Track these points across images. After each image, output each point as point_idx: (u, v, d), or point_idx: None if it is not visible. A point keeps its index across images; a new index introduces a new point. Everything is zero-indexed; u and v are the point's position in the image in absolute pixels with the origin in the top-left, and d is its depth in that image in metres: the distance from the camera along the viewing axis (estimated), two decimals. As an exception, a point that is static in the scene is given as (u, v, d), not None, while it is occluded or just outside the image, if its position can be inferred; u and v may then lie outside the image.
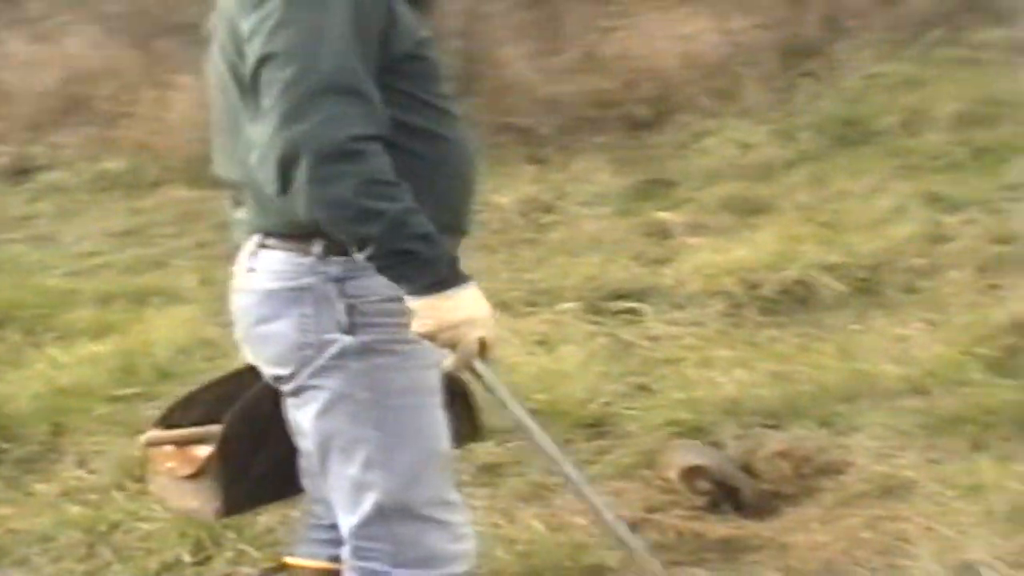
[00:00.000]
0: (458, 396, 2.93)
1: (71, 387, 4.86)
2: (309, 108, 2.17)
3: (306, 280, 2.36)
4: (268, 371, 2.46)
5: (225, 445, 2.56)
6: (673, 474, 3.91)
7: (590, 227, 6.78)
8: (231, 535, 3.68)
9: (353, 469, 2.41)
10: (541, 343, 5.04)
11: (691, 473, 3.87)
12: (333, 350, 2.36)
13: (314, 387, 2.40)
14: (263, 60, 2.21)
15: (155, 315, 5.72)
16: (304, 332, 2.36)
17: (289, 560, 2.84)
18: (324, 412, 2.40)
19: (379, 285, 2.31)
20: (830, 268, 5.63)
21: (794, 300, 5.48)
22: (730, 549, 3.54)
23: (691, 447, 4.07)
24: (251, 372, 2.56)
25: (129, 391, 4.86)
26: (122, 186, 8.73)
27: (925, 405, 4.33)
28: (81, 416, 4.64)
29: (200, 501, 2.65)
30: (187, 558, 3.63)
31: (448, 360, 2.34)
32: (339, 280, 2.36)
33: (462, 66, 9.07)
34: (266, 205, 2.34)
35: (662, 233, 6.56)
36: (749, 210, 6.72)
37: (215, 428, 2.61)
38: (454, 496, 2.53)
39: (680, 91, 9.22)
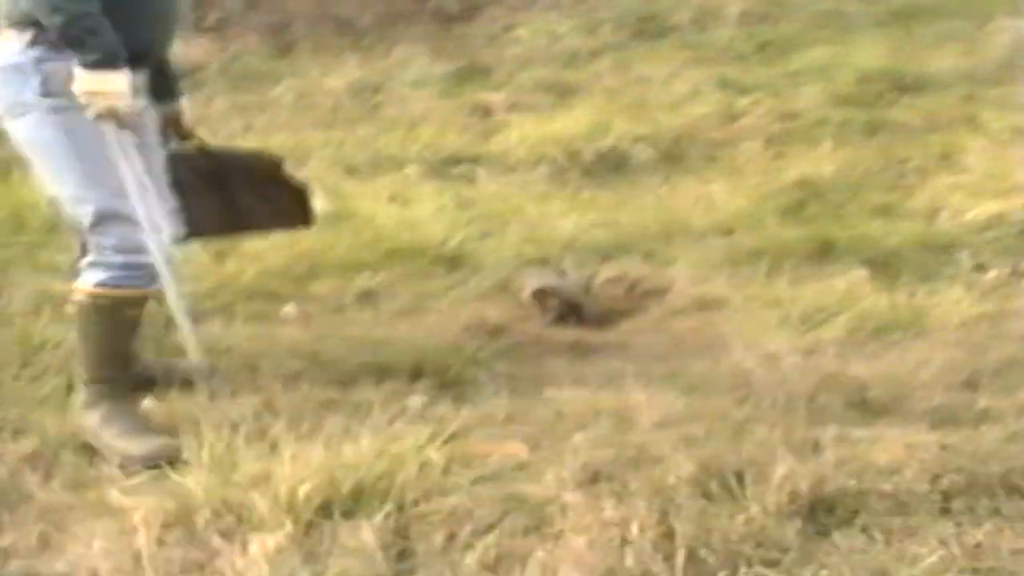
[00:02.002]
0: (287, 185, 3.94)
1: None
2: None
3: (16, 59, 3.41)
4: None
5: None
6: (526, 294, 4.61)
7: (418, 106, 7.37)
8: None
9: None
10: (393, 199, 5.67)
11: (541, 293, 4.57)
12: (32, 103, 3.42)
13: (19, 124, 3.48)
14: None
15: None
16: (17, 93, 3.42)
17: None
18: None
19: (66, 67, 3.32)
20: (640, 139, 6.40)
21: (610, 165, 6.22)
22: (579, 349, 4.26)
23: (539, 272, 4.78)
24: None
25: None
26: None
27: (729, 242, 5.13)
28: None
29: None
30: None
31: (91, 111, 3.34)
32: (39, 60, 3.38)
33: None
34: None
35: (484, 111, 7.21)
36: (562, 92, 7.42)
37: None
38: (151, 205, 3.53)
39: (487, -14, 9.84)
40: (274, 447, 3.35)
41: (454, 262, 4.98)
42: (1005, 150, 5.98)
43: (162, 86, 3.80)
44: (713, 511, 2.98)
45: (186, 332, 3.72)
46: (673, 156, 6.33)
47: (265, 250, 4.89)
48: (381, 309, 4.57)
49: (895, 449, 3.27)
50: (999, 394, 3.64)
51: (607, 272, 4.80)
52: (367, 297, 4.68)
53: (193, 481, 3.24)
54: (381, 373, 3.94)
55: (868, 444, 3.33)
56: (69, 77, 3.33)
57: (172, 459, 3.40)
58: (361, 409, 3.64)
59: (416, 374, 3.94)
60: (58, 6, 3.30)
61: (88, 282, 3.54)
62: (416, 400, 3.76)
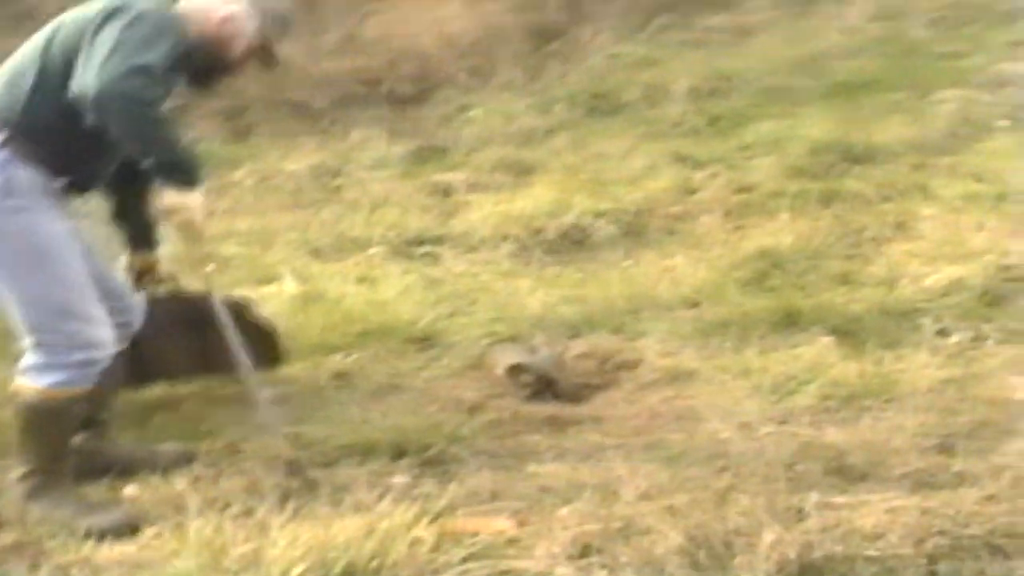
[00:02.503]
0: (255, 325, 4.25)
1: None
2: None
3: None
4: None
5: None
6: (499, 371, 4.66)
7: (378, 188, 7.43)
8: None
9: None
10: (361, 280, 5.71)
11: (515, 369, 4.62)
12: None
13: None
14: None
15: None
16: None
17: None
18: None
19: (28, 172, 3.55)
20: (600, 214, 6.48)
21: (572, 242, 6.29)
22: (557, 423, 4.30)
23: (511, 348, 4.84)
24: None
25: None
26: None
27: (696, 315, 5.20)
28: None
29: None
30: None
31: None
32: (5, 161, 3.55)
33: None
34: None
35: (445, 191, 7.28)
36: (521, 170, 7.51)
37: None
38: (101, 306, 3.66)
39: (440, 69, 9.98)
40: (263, 528, 3.37)
41: (425, 341, 5.02)
42: (958, 217, 6.12)
43: (140, 235, 4.10)
44: (704, 580, 3.04)
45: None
46: (634, 230, 6.42)
47: (237, 334, 4.91)
48: (357, 389, 4.60)
49: (878, 514, 3.34)
50: (973, 456, 3.73)
51: (577, 347, 4.86)
52: (342, 378, 4.71)
53: (182, 565, 3.25)
54: (363, 453, 3.97)
55: (851, 510, 3.39)
56: (33, 180, 3.56)
57: (136, 526, 3.54)
58: (346, 489, 3.67)
59: (398, 453, 3.97)
60: (165, 142, 3.54)
61: (40, 383, 3.61)
62: (400, 479, 3.80)
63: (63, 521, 3.60)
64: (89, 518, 3.60)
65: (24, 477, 3.71)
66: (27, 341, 3.63)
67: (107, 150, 3.68)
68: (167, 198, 3.59)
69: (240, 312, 4.19)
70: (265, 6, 3.90)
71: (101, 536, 3.53)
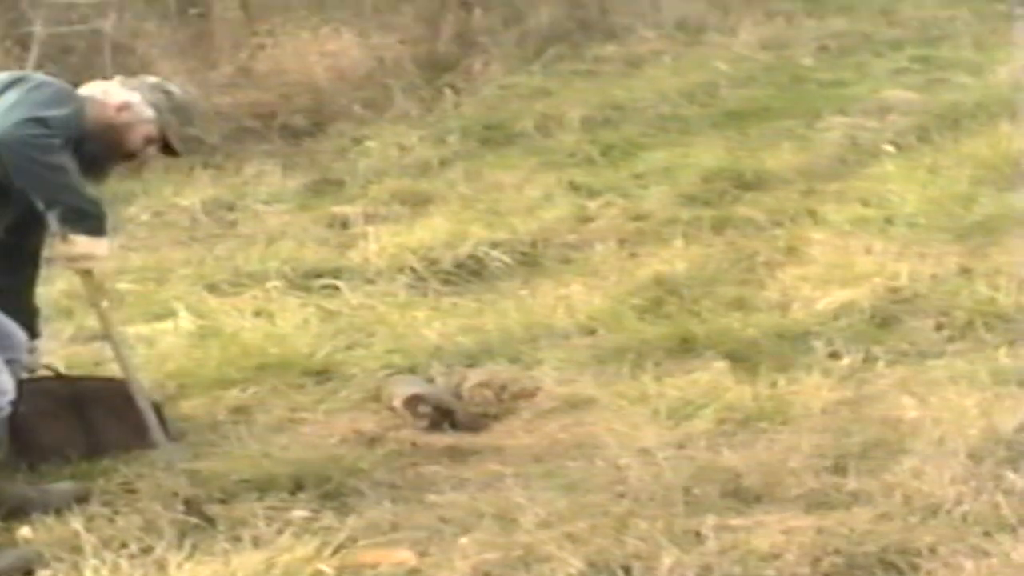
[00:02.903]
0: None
1: None
2: None
3: None
4: None
5: None
6: (397, 403, 4.65)
7: (274, 221, 7.38)
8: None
9: None
10: (258, 314, 5.66)
11: (412, 400, 4.62)
12: None
13: None
14: None
15: None
16: None
17: None
18: None
19: None
20: (496, 245, 6.49)
21: (469, 272, 6.30)
22: (456, 454, 4.31)
23: (408, 380, 4.84)
24: None
25: None
26: None
27: (592, 342, 5.24)
28: None
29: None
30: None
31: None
32: None
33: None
34: None
35: (341, 224, 7.24)
36: (417, 201, 7.51)
37: None
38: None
39: (333, 102, 9.94)
40: (161, 567, 3.34)
41: (323, 374, 5.00)
42: (847, 241, 6.23)
43: (25, 324, 4.01)
44: (605, 606, 3.06)
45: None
46: (530, 260, 6.45)
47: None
48: (255, 424, 4.57)
49: (774, 535, 3.40)
50: (866, 476, 3.80)
51: (475, 377, 4.87)
52: (240, 412, 4.67)
53: (79, 607, 3.21)
54: (262, 487, 3.95)
55: (747, 531, 3.45)
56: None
57: (30, 568, 3.48)
58: (245, 524, 3.64)
59: (297, 486, 3.96)
60: (68, 188, 3.64)
61: None
62: (300, 512, 3.78)
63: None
64: None
65: None
66: None
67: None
68: (78, 246, 3.66)
69: (126, 391, 4.17)
70: (165, 95, 3.91)
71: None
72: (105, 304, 3.97)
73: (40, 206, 3.67)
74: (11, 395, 3.66)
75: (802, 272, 5.84)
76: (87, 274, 3.93)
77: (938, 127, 8.31)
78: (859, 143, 8.27)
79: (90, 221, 3.69)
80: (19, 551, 3.59)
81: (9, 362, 3.77)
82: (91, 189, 3.78)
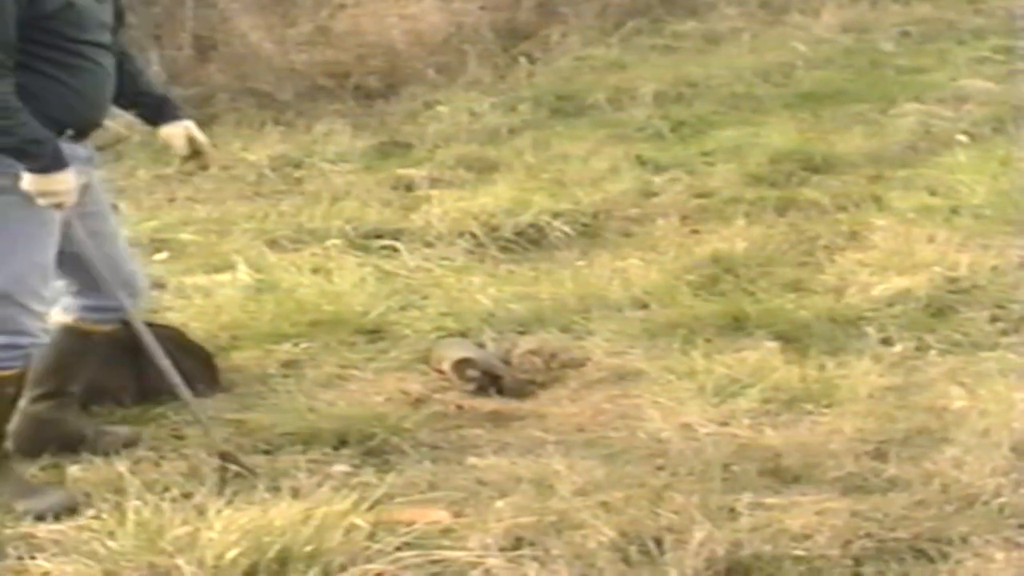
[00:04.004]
0: (193, 351, 4.35)
1: None
2: None
3: None
4: None
5: None
6: (446, 366, 4.68)
7: (339, 181, 7.44)
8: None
9: None
10: (316, 271, 5.72)
11: (461, 364, 4.65)
12: None
13: None
14: None
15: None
16: None
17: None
18: None
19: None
20: (558, 215, 6.50)
21: (528, 240, 6.32)
22: (500, 418, 4.34)
23: (459, 343, 4.87)
24: None
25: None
26: None
27: (645, 316, 5.25)
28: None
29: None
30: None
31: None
32: None
33: (201, 35, 9.71)
34: None
35: (406, 186, 7.29)
36: (482, 168, 7.53)
37: None
38: (46, 293, 3.65)
39: (408, 65, 9.98)
40: (201, 512, 3.40)
41: (375, 333, 5.05)
42: (909, 229, 6.18)
43: (157, 107, 4.04)
44: (633, 576, 3.09)
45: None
46: (591, 231, 6.46)
47: (187, 321, 4.93)
48: (304, 379, 4.63)
49: (808, 515, 3.40)
50: (906, 463, 3.79)
51: (525, 344, 4.89)
52: (290, 367, 4.74)
53: (119, 545, 3.28)
54: (306, 441, 4.01)
55: (782, 511, 3.46)
56: (17, 178, 3.48)
57: (73, 508, 3.56)
58: (286, 475, 3.70)
59: (340, 442, 4.02)
60: (6, 129, 3.44)
61: None
62: (340, 467, 3.84)
63: (1, 500, 3.62)
64: (27, 500, 3.63)
65: None
66: None
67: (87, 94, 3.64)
68: (25, 183, 3.48)
69: (177, 338, 4.33)
70: None
71: (39, 517, 3.54)
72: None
73: None
74: (36, 338, 3.63)
75: (861, 257, 5.81)
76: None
77: (1015, 119, 8.19)
78: (932, 131, 8.17)
79: (32, 159, 3.46)
80: (60, 495, 3.64)
81: (108, 309, 3.87)
82: (31, 124, 3.48)
